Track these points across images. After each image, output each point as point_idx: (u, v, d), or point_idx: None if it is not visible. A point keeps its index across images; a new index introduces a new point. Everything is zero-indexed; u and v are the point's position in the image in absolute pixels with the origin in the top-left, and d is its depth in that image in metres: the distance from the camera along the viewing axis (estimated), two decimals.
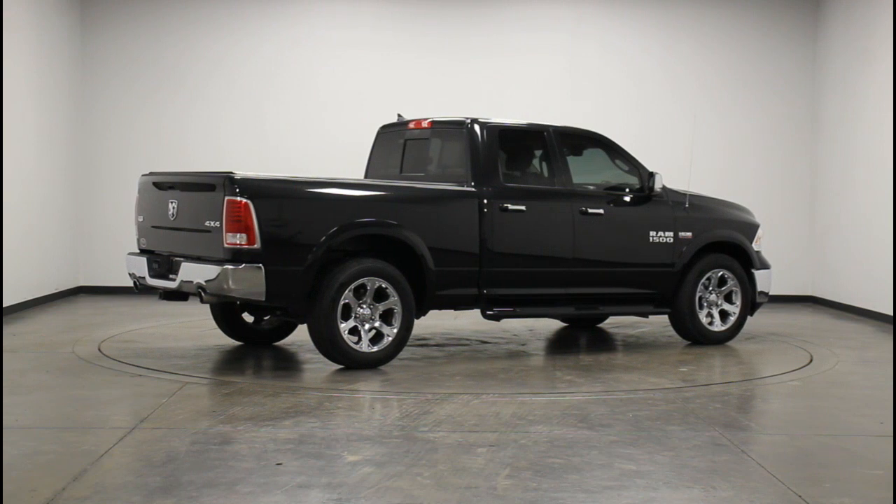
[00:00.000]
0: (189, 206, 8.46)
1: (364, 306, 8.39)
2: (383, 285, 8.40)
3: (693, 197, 10.20)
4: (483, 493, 5.13)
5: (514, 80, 14.10)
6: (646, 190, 9.81)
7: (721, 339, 10.22)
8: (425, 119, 9.76)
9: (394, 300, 8.45)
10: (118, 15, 14.03)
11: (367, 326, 8.41)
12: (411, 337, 8.95)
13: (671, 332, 10.67)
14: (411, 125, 9.83)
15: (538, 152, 9.72)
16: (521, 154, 9.69)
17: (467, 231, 8.85)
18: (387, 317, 8.49)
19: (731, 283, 10.26)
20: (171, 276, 8.49)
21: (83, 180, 13.99)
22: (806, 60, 14.34)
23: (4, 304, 11.12)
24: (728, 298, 10.30)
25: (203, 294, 8.06)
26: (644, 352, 9.79)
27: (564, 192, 9.42)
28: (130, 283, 9.23)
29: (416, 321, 8.71)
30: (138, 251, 9.17)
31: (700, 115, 13.81)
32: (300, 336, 9.76)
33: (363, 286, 8.35)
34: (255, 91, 14.07)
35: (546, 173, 9.62)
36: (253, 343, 9.59)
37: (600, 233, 9.53)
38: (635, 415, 6.94)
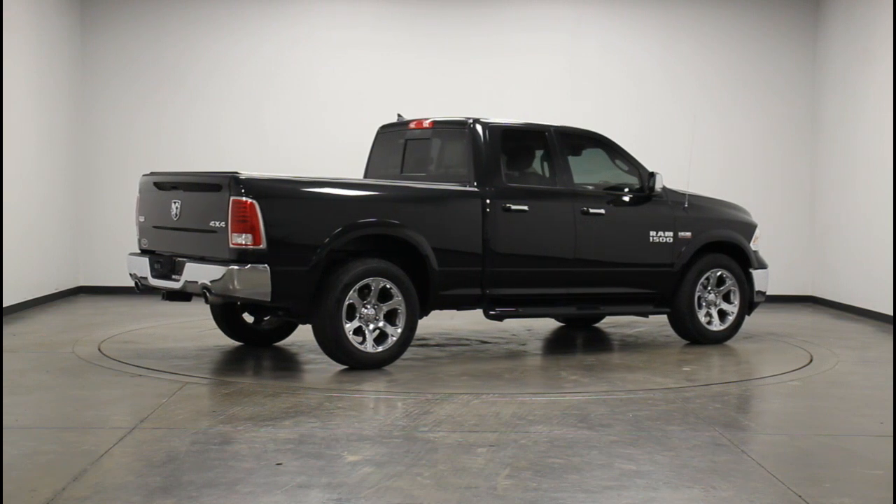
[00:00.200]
0: (193, 206, 8.43)
1: (368, 306, 8.39)
2: (387, 285, 8.39)
3: (692, 197, 10.21)
4: (483, 493, 5.13)
5: (514, 80, 14.10)
6: (646, 190, 9.83)
7: (720, 339, 10.24)
8: (426, 119, 9.76)
9: (398, 300, 8.44)
10: (118, 15, 14.03)
11: (371, 327, 8.41)
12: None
13: (668, 331, 10.69)
14: (412, 125, 9.83)
15: (539, 152, 9.73)
16: (523, 154, 9.69)
17: (470, 231, 8.85)
18: (390, 317, 8.48)
19: (730, 283, 10.28)
20: (173, 276, 8.48)
21: (83, 180, 13.99)
22: (806, 60, 14.34)
23: (4, 304, 11.12)
24: (726, 298, 10.32)
25: (208, 294, 8.04)
26: (644, 352, 9.79)
27: (566, 192, 9.43)
28: (130, 284, 9.22)
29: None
30: (139, 251, 9.15)
31: (700, 115, 13.81)
32: (300, 336, 9.76)
33: (367, 286, 8.33)
34: (255, 91, 14.07)
35: (547, 173, 9.63)
36: (253, 343, 9.59)
37: (601, 233, 9.54)
38: (635, 415, 6.94)
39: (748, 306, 10.41)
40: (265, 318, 9.50)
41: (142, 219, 9.10)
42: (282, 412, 6.84)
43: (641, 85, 14.26)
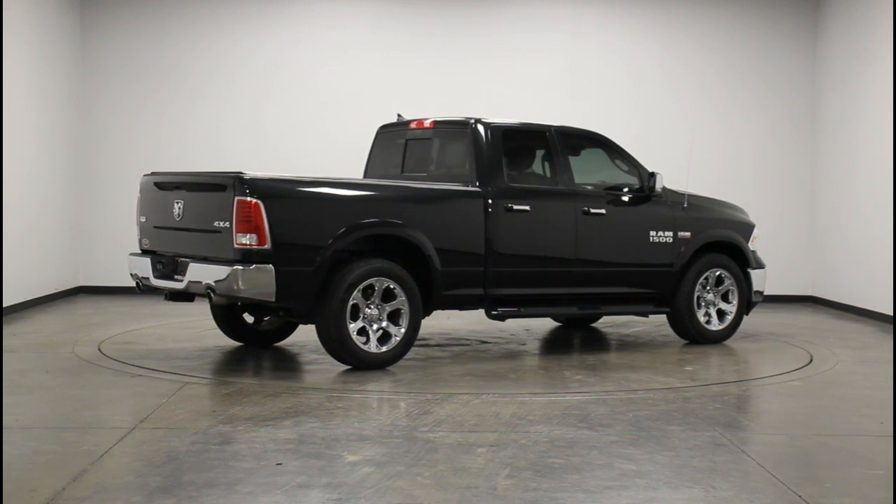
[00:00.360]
0: (196, 206, 8.41)
1: (372, 307, 8.38)
2: (391, 286, 8.38)
3: (691, 197, 10.23)
4: (483, 493, 5.13)
5: (514, 80, 14.09)
6: (646, 190, 9.84)
7: (718, 339, 10.26)
8: (427, 119, 9.76)
9: (401, 300, 8.43)
10: (118, 15, 14.03)
11: (374, 327, 8.40)
12: None
13: (666, 331, 10.70)
14: (412, 125, 9.83)
15: (540, 152, 9.74)
16: (524, 154, 9.70)
17: (473, 231, 8.85)
18: (393, 317, 8.47)
19: (729, 283, 10.30)
20: (176, 276, 8.46)
21: (83, 180, 13.99)
22: (806, 60, 14.34)
23: (4, 304, 11.12)
24: (725, 298, 10.34)
25: (212, 295, 8.02)
26: (645, 351, 9.79)
27: (567, 192, 9.43)
28: (130, 284, 9.21)
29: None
30: (140, 252, 9.13)
31: (700, 115, 13.82)
32: (301, 336, 9.76)
33: (371, 286, 8.33)
34: (255, 91, 14.07)
35: (548, 173, 9.64)
36: (253, 344, 9.58)
37: (602, 233, 9.55)
38: (635, 415, 6.94)
39: (746, 306, 10.43)
40: (265, 319, 9.49)
41: (143, 219, 9.08)
42: (282, 412, 6.84)
43: (641, 85, 14.26)
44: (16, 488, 5.08)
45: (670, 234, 9.94)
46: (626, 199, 9.83)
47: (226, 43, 14.09)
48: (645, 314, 10.14)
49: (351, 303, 8.22)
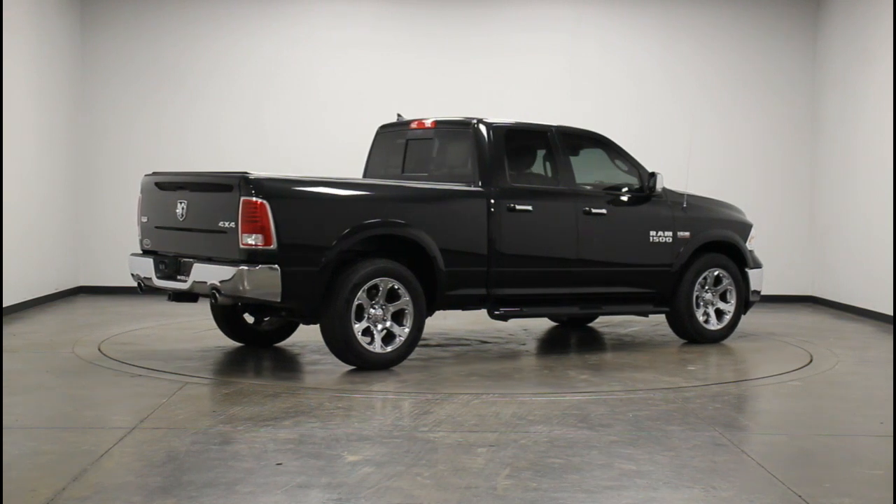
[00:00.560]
0: (200, 206, 8.38)
1: (376, 307, 8.37)
2: (395, 286, 8.37)
3: (690, 197, 10.24)
4: (483, 493, 5.13)
5: (514, 80, 14.09)
6: (646, 190, 9.86)
7: (717, 338, 10.28)
8: (428, 119, 9.76)
9: (405, 300, 8.42)
10: (118, 15, 14.03)
11: (379, 327, 8.39)
12: None
13: (663, 330, 10.73)
14: (413, 125, 9.82)
15: (541, 152, 9.75)
16: (526, 154, 9.70)
17: (476, 231, 8.85)
18: (397, 317, 8.47)
19: (727, 283, 10.34)
20: (179, 277, 8.44)
21: (83, 180, 13.99)
22: (806, 60, 14.34)
23: (4, 304, 11.12)
24: (723, 297, 10.38)
25: (217, 295, 8.00)
26: (646, 351, 9.79)
27: (569, 192, 9.44)
28: (130, 284, 9.20)
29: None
30: (141, 252, 9.11)
31: (700, 115, 13.82)
32: (301, 337, 9.76)
33: (375, 287, 8.32)
34: (255, 91, 14.07)
35: (550, 173, 9.65)
36: (253, 344, 9.57)
37: (603, 233, 9.56)
38: (635, 415, 6.94)
39: (744, 305, 10.46)
40: (265, 319, 9.48)
41: (144, 219, 9.05)
42: (282, 412, 6.84)
43: (641, 85, 14.26)
44: (16, 488, 5.08)
45: (670, 234, 9.96)
46: (626, 199, 9.84)
47: (226, 43, 14.09)
48: (645, 314, 10.16)
49: (356, 303, 8.21)
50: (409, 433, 6.32)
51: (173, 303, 9.01)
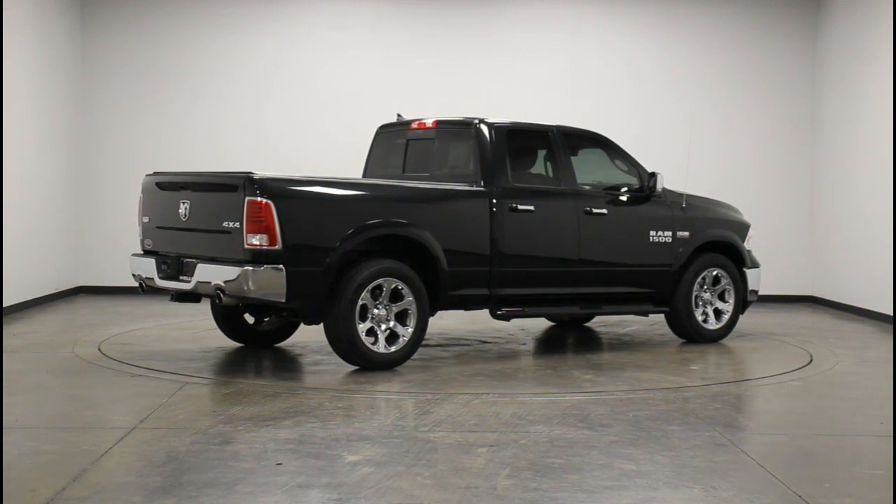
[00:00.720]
0: (204, 206, 8.36)
1: (380, 307, 8.36)
2: (399, 286, 8.36)
3: (688, 197, 10.26)
4: (483, 493, 5.13)
5: (514, 80, 14.09)
6: (646, 190, 9.87)
7: (716, 338, 10.31)
8: (429, 119, 9.76)
9: (409, 301, 8.42)
10: (118, 15, 14.03)
11: (383, 327, 8.38)
12: None
13: (660, 330, 10.76)
14: (414, 125, 9.82)
15: (542, 152, 9.75)
16: (527, 154, 9.71)
17: (479, 231, 8.85)
18: (400, 317, 8.46)
19: (725, 282, 10.37)
20: (182, 277, 8.43)
21: (83, 180, 13.99)
22: (806, 60, 14.34)
23: (4, 304, 11.12)
24: (721, 297, 10.40)
25: (222, 295, 7.98)
26: (646, 351, 9.79)
27: (570, 192, 9.45)
28: (130, 284, 9.19)
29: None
30: (142, 252, 9.09)
31: (700, 115, 13.82)
32: (301, 337, 9.76)
33: (379, 287, 8.31)
34: (255, 91, 14.07)
35: (551, 173, 9.65)
36: (254, 344, 9.57)
37: (604, 233, 9.57)
38: (635, 415, 6.94)
39: (742, 305, 10.48)
40: (265, 319, 9.48)
41: (146, 219, 9.02)
42: (282, 412, 6.84)
43: (641, 85, 14.26)
44: (16, 488, 5.08)
45: (669, 233, 9.98)
46: (627, 199, 9.86)
47: (226, 43, 14.09)
48: (645, 313, 10.18)
49: (360, 303, 8.20)
50: (410, 433, 6.32)
51: (174, 303, 8.98)
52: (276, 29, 14.10)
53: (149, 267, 8.77)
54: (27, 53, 12.24)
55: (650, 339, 10.61)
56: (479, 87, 13.99)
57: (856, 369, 9.05)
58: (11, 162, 11.52)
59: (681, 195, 10.19)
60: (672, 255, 10.00)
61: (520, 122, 9.54)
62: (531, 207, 9.13)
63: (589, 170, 9.91)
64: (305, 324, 8.71)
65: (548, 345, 10.29)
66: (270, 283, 7.84)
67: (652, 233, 9.89)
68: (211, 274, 8.08)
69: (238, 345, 9.61)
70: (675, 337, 10.46)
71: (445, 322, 11.19)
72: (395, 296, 8.41)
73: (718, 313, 10.37)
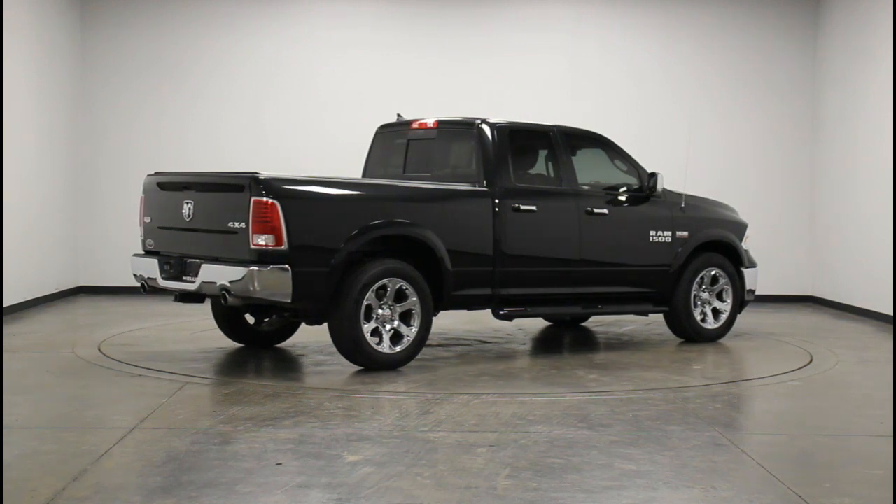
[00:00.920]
0: (209, 207, 8.33)
1: (384, 307, 8.36)
2: (403, 286, 8.36)
3: (687, 197, 10.27)
4: (483, 493, 5.13)
5: (514, 80, 14.10)
6: (646, 190, 9.88)
7: (714, 337, 10.34)
8: (430, 119, 9.76)
9: (413, 301, 8.41)
10: (118, 14, 14.03)
11: (387, 327, 8.38)
12: None
13: (658, 329, 10.77)
14: (415, 125, 9.82)
15: (544, 152, 9.75)
16: (529, 154, 9.72)
17: (482, 232, 8.86)
18: (404, 317, 8.45)
19: (723, 282, 10.41)
20: (185, 277, 8.41)
21: (83, 180, 13.99)
22: (806, 59, 14.34)
23: (4, 304, 11.12)
24: (719, 297, 10.42)
25: (227, 296, 7.96)
26: (646, 350, 9.79)
27: (571, 192, 9.46)
28: (130, 284, 9.17)
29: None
30: (144, 252, 9.07)
31: (700, 115, 13.83)
32: (302, 338, 9.76)
33: (384, 287, 8.30)
34: (255, 91, 14.07)
35: (552, 173, 9.65)
36: (254, 345, 9.56)
37: (605, 233, 9.58)
38: (635, 415, 6.94)
39: (739, 304, 10.49)
40: (265, 320, 9.47)
41: (147, 219, 8.98)
42: (282, 412, 6.84)
43: (641, 85, 14.26)
44: (16, 488, 5.08)
45: (669, 233, 10.01)
46: (627, 199, 9.86)
47: (226, 43, 14.09)
48: (645, 313, 10.19)
49: (365, 303, 8.20)
50: (409, 433, 6.32)
51: (174, 303, 8.96)
52: (276, 29, 14.10)
53: (151, 267, 8.74)
54: (27, 53, 12.24)
55: (648, 338, 10.61)
56: (479, 87, 13.99)
57: (856, 369, 9.05)
58: (11, 162, 11.52)
59: (680, 195, 10.21)
60: (671, 255, 10.01)
61: (521, 122, 9.55)
62: (533, 207, 9.13)
63: (589, 170, 9.92)
64: (308, 324, 8.69)
65: (548, 345, 10.29)
66: (276, 283, 7.83)
67: (652, 233, 9.90)
68: (216, 274, 8.06)
69: (238, 345, 9.60)
70: (672, 336, 10.48)
71: (443, 322, 11.18)
72: (400, 296, 8.40)
73: (716, 313, 10.40)
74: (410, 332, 8.43)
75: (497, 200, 8.93)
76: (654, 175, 9.87)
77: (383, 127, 10.27)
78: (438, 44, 14.18)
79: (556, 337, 10.74)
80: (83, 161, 13.98)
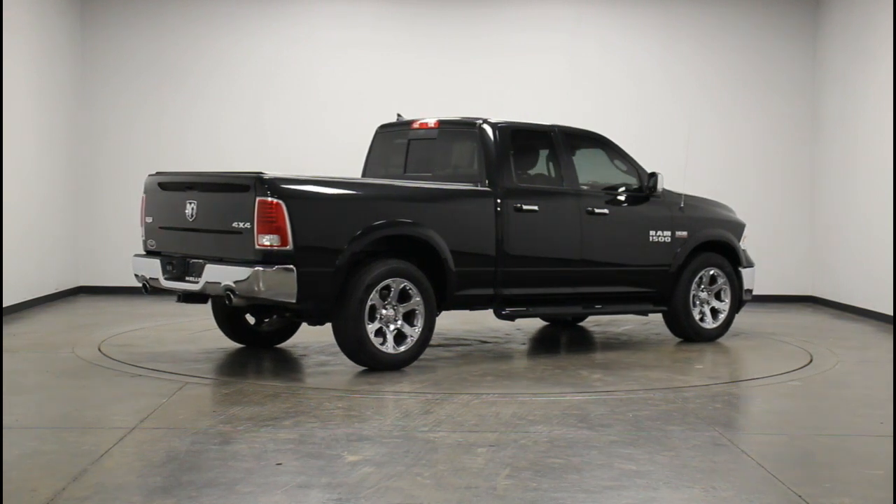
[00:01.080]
0: (212, 207, 8.31)
1: (388, 307, 8.36)
2: (407, 286, 8.36)
3: (686, 197, 10.29)
4: (483, 493, 5.13)
5: (514, 80, 14.10)
6: (646, 190, 9.89)
7: (712, 337, 10.36)
8: (431, 119, 9.76)
9: (416, 301, 8.41)
10: (118, 14, 14.03)
11: (391, 327, 8.38)
12: None
13: (655, 329, 10.77)
14: (415, 125, 9.82)
15: (545, 152, 9.76)
16: (530, 154, 9.72)
17: (485, 232, 8.86)
18: (408, 318, 8.45)
19: (722, 282, 10.43)
20: (189, 278, 8.38)
21: (83, 180, 13.99)
22: (806, 59, 14.34)
23: (4, 304, 11.12)
24: (717, 296, 10.44)
25: (232, 296, 7.95)
26: (647, 350, 9.79)
27: (572, 192, 9.46)
28: (130, 284, 9.16)
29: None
30: (145, 252, 9.05)
31: (700, 115, 13.83)
32: (302, 338, 9.76)
33: (387, 287, 8.30)
34: (255, 91, 14.07)
35: (554, 173, 9.66)
36: (254, 345, 9.55)
37: (606, 233, 9.59)
38: (635, 415, 6.94)
39: (737, 304, 10.50)
40: (266, 320, 9.47)
41: (149, 220, 8.95)
42: (282, 412, 6.84)
43: (641, 85, 14.26)
44: (16, 488, 5.08)
45: (668, 233, 10.02)
46: (627, 199, 9.87)
47: (226, 42, 14.09)
48: (644, 313, 10.20)
49: (369, 304, 8.19)
50: (409, 433, 6.32)
51: (175, 303, 8.96)
52: (276, 29, 14.10)
53: (153, 267, 8.72)
54: (27, 53, 12.24)
55: (647, 338, 10.61)
56: (480, 87, 13.99)
57: (856, 369, 9.05)
58: (11, 162, 11.52)
59: (679, 195, 10.22)
60: (671, 254, 10.02)
61: (523, 122, 9.55)
62: (535, 207, 9.14)
63: (590, 170, 9.93)
64: (310, 325, 8.67)
65: (548, 345, 10.29)
66: (281, 283, 7.82)
67: (652, 233, 9.92)
68: (220, 274, 8.04)
69: (238, 345, 9.60)
70: (670, 336, 10.48)
71: (442, 322, 11.17)
72: (403, 296, 8.40)
73: (715, 312, 10.42)
74: (414, 333, 8.43)
75: (499, 200, 8.93)
76: (653, 175, 9.87)
77: (383, 127, 10.26)
78: (438, 44, 14.18)
79: (555, 337, 10.74)
80: (83, 161, 13.98)
